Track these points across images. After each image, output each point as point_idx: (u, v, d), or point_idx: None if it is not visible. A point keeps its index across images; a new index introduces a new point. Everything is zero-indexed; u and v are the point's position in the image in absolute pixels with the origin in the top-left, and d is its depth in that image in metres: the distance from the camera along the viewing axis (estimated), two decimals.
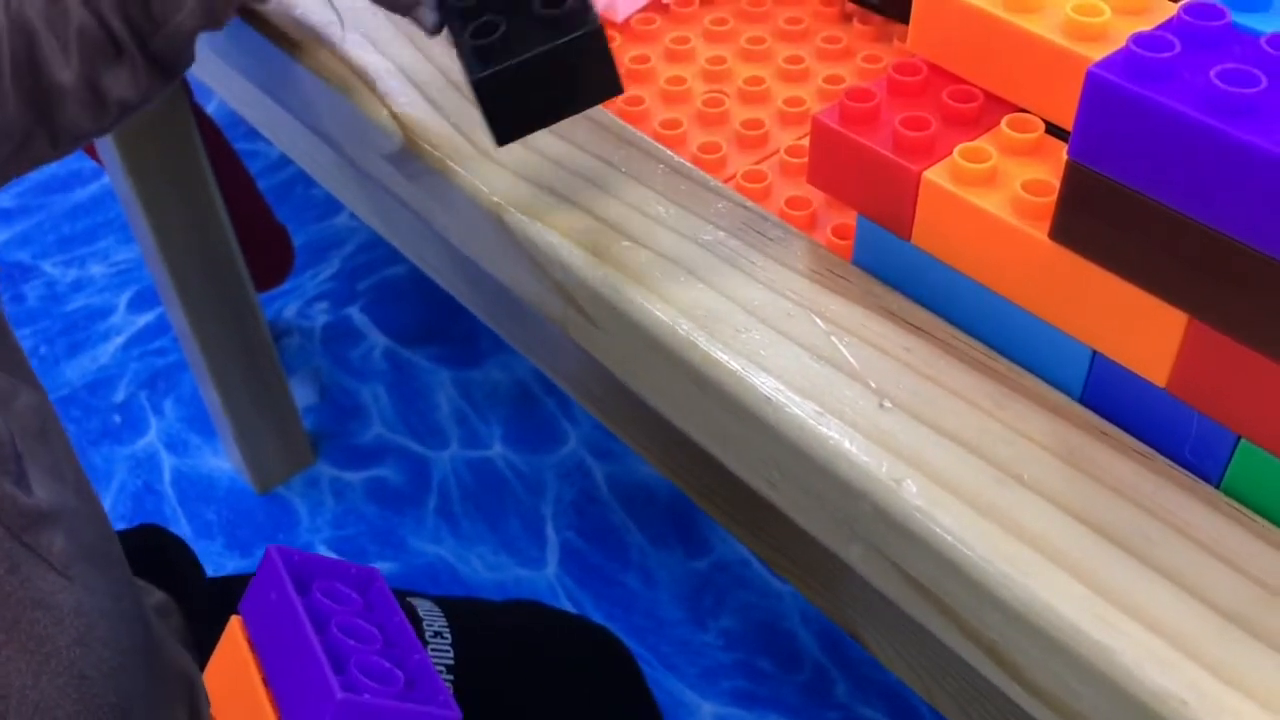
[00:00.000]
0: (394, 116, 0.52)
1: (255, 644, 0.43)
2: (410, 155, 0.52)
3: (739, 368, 0.41)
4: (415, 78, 0.54)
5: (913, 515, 0.37)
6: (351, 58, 0.55)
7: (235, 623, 0.44)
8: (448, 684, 0.64)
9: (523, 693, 0.67)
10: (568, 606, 1.23)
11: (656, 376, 0.46)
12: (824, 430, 0.39)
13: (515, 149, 0.50)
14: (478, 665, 0.65)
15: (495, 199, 0.48)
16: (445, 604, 0.68)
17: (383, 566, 1.26)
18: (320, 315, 1.54)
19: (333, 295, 1.57)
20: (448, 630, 0.65)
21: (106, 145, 1.04)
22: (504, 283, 0.51)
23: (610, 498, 1.33)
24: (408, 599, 0.67)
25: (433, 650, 0.64)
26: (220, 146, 1.26)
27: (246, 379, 1.23)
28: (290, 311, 1.55)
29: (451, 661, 0.64)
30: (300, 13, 0.58)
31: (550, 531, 1.30)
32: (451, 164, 0.50)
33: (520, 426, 1.40)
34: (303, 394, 1.43)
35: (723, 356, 0.42)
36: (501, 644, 0.69)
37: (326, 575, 0.43)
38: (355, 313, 1.55)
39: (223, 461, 1.37)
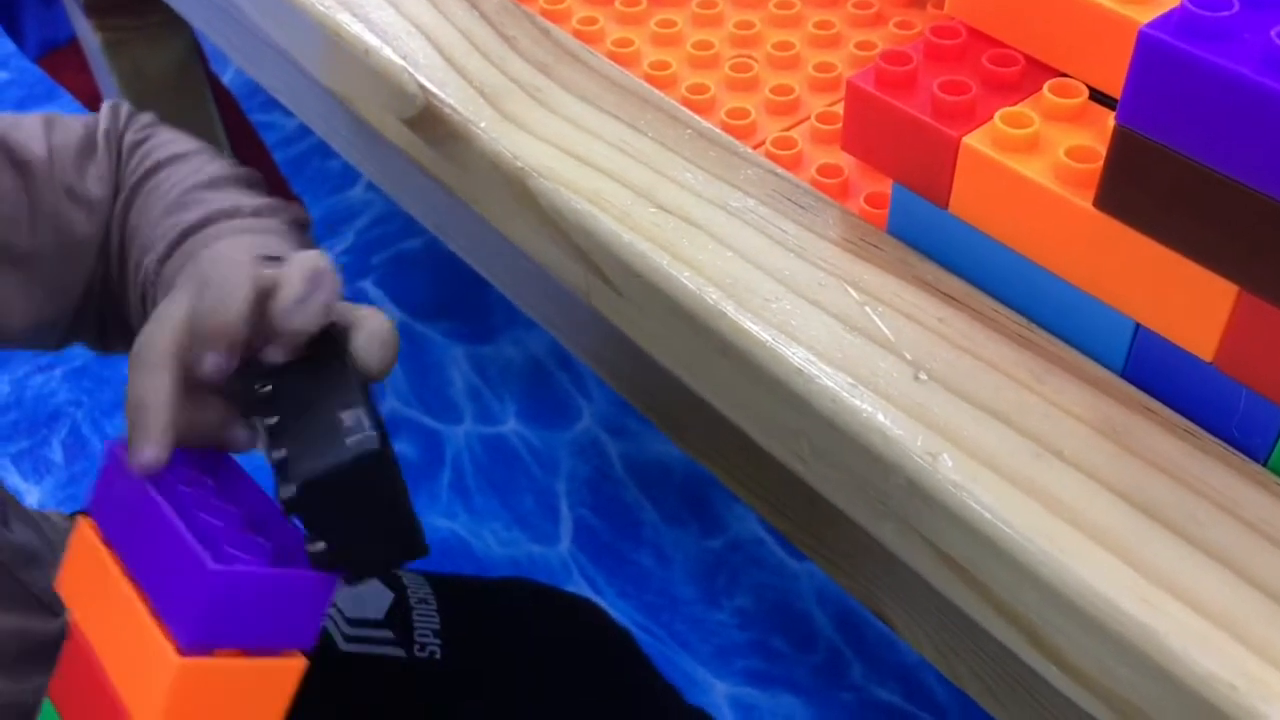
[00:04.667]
0: (414, 79, 0.51)
1: (110, 541, 0.40)
2: (430, 120, 0.51)
3: (769, 338, 0.40)
4: (436, 39, 0.53)
5: (948, 490, 0.36)
6: (371, 18, 0.54)
7: (84, 524, 0.41)
8: (435, 649, 0.63)
9: (512, 664, 0.66)
10: (581, 583, 1.22)
11: (682, 346, 0.44)
12: (857, 402, 0.38)
13: (537, 112, 0.49)
14: (465, 634, 0.65)
15: (519, 164, 0.47)
16: (431, 577, 0.67)
17: None
18: None
19: (347, 269, 1.56)
20: (432, 597, 0.65)
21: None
22: (525, 250, 0.50)
23: (624, 475, 1.32)
24: (394, 571, 0.67)
25: (418, 616, 0.64)
26: (236, 117, 1.24)
27: None
28: None
29: (438, 626, 0.64)
30: None
31: (564, 508, 1.29)
32: (473, 128, 0.49)
33: (534, 402, 1.39)
34: None
35: (752, 326, 0.41)
36: (489, 615, 0.68)
37: (173, 463, 0.40)
38: (369, 286, 1.54)
39: None
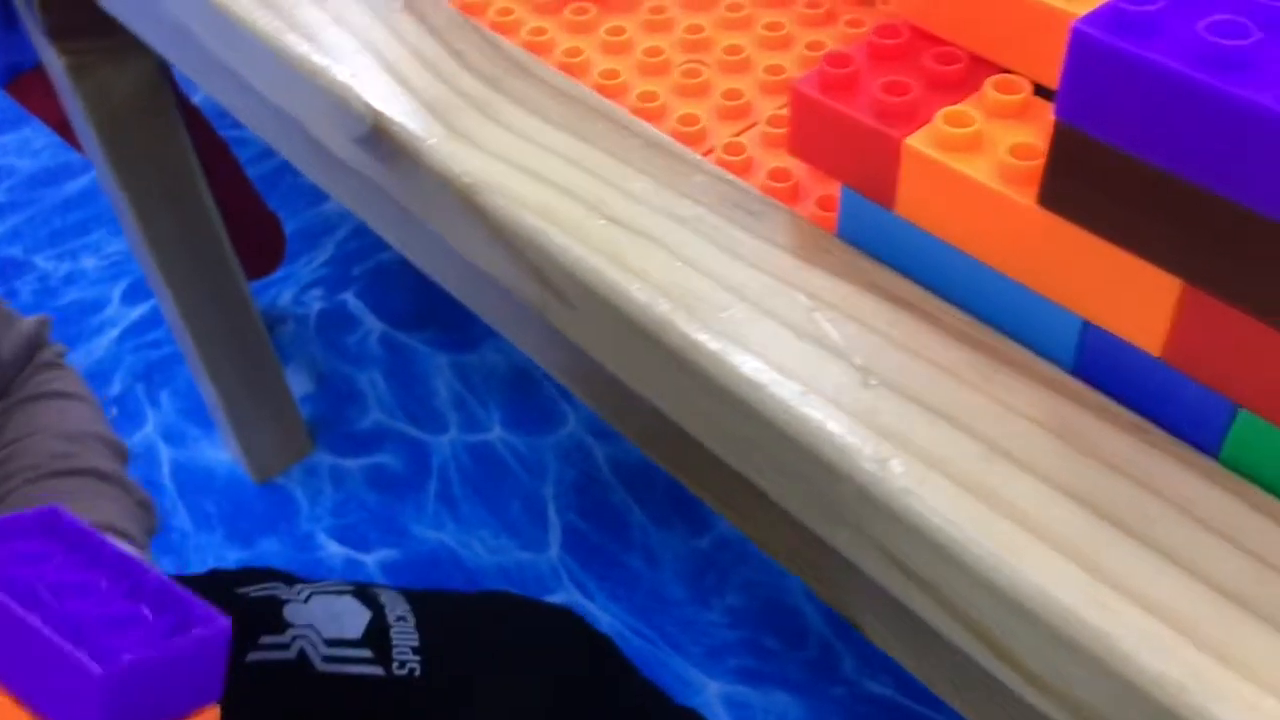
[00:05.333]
0: (360, 99, 0.51)
1: None
2: (379, 138, 0.50)
3: (719, 348, 0.40)
4: (384, 56, 0.53)
5: (898, 496, 0.35)
6: (318, 38, 0.54)
7: None
8: (415, 666, 0.63)
9: (493, 678, 0.66)
10: (571, 588, 1.22)
11: (637, 360, 0.44)
12: (807, 411, 0.38)
13: (486, 127, 0.49)
14: (445, 650, 0.64)
15: (467, 180, 0.47)
16: (409, 594, 0.67)
17: (385, 554, 1.26)
18: (315, 302, 1.53)
19: (327, 281, 1.56)
20: (410, 615, 0.65)
21: (89, 138, 1.03)
22: (480, 266, 0.50)
23: (611, 478, 1.32)
24: (370, 589, 0.66)
25: (396, 634, 0.63)
26: (207, 135, 1.24)
27: (241, 369, 1.22)
28: (285, 299, 1.54)
29: (417, 644, 0.63)
30: None
31: (552, 514, 1.29)
32: (421, 145, 0.48)
33: (519, 409, 1.39)
34: (299, 382, 1.42)
35: (702, 337, 0.40)
36: (469, 630, 0.68)
37: (4, 537, 0.36)
38: (350, 298, 1.53)
39: (221, 452, 1.36)
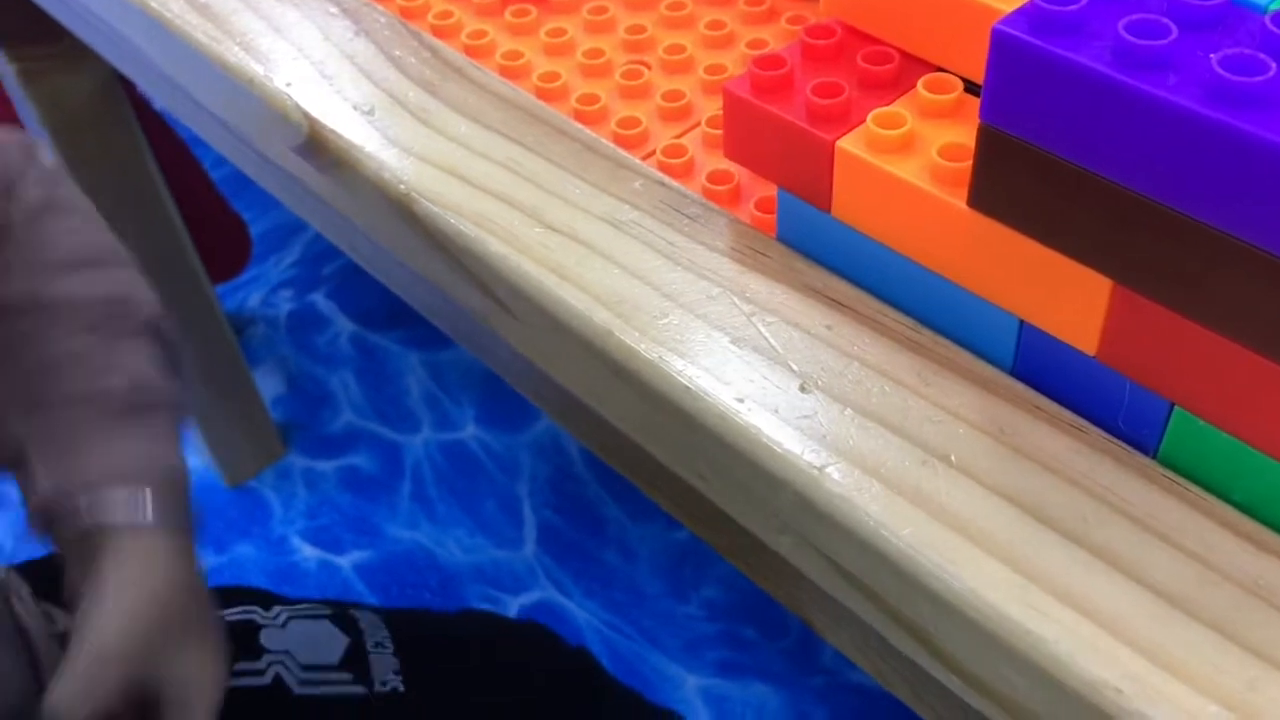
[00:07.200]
0: (297, 107, 0.50)
1: None
2: (316, 146, 0.50)
3: (656, 357, 0.39)
4: (320, 64, 0.52)
5: (835, 503, 0.35)
6: (255, 46, 0.53)
7: None
8: (396, 685, 0.62)
9: (473, 695, 0.66)
10: (547, 585, 1.22)
11: (579, 368, 0.44)
12: (745, 419, 0.37)
13: (423, 134, 0.48)
14: (425, 669, 0.64)
15: (403, 188, 0.46)
16: (386, 614, 0.67)
17: (359, 555, 1.25)
18: (285, 303, 1.52)
19: (296, 282, 1.55)
20: (389, 640, 0.64)
21: (43, 142, 1.02)
22: (422, 274, 0.49)
23: (585, 472, 1.31)
24: (349, 611, 0.66)
25: (375, 659, 0.63)
26: (168, 139, 1.23)
27: (208, 373, 1.21)
28: (254, 300, 1.53)
29: (397, 666, 0.63)
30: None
31: (527, 510, 1.29)
32: (357, 153, 0.48)
33: (492, 406, 1.38)
34: (270, 384, 1.41)
35: (639, 345, 0.40)
36: (447, 650, 0.68)
37: None
38: (320, 299, 1.52)
39: (192, 457, 1.35)
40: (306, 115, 0.50)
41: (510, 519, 1.28)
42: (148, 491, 0.50)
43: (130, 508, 0.49)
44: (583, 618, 1.19)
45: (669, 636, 1.18)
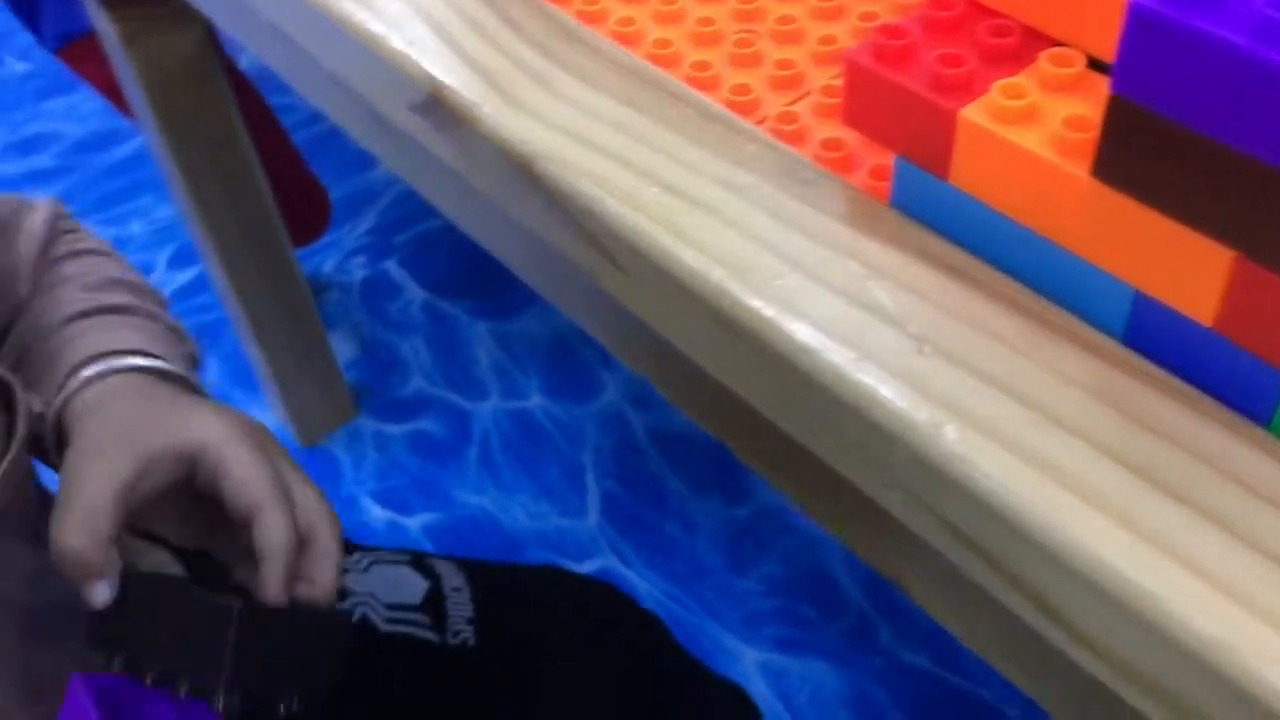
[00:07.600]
0: (419, 66, 0.51)
1: None
2: (436, 106, 0.51)
3: (773, 315, 0.41)
4: (441, 25, 0.54)
5: (951, 461, 0.36)
6: (376, 5, 0.55)
7: None
8: (468, 636, 0.64)
9: (543, 651, 0.67)
10: (609, 555, 1.24)
11: (689, 326, 0.45)
12: (860, 377, 0.38)
13: (541, 96, 0.50)
14: (498, 621, 0.65)
15: (524, 148, 0.48)
16: (464, 563, 0.68)
17: (426, 518, 1.28)
18: (358, 269, 1.55)
19: (370, 249, 1.57)
20: (465, 586, 0.66)
21: (141, 104, 1.04)
22: (534, 232, 0.51)
23: (649, 446, 1.33)
24: (426, 559, 0.68)
25: (452, 604, 0.65)
26: (254, 102, 1.25)
27: (287, 335, 1.23)
28: (329, 266, 1.56)
29: (471, 615, 0.64)
30: None
31: (591, 480, 1.30)
32: (478, 113, 0.49)
33: (558, 377, 1.40)
34: (343, 348, 1.43)
35: (756, 304, 0.41)
36: (521, 603, 0.69)
37: (137, 700, 0.35)
38: (393, 266, 1.55)
39: (268, 416, 1.38)
40: (428, 75, 0.51)
41: (574, 488, 1.30)
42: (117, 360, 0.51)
43: (98, 370, 0.50)
44: (643, 588, 1.21)
45: (729, 609, 1.19)
